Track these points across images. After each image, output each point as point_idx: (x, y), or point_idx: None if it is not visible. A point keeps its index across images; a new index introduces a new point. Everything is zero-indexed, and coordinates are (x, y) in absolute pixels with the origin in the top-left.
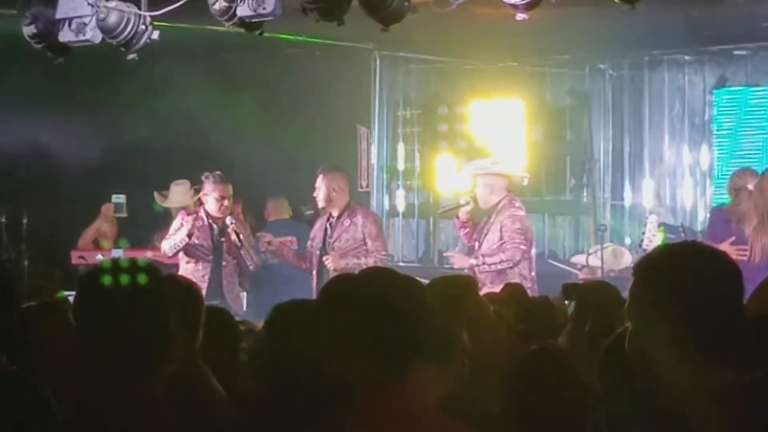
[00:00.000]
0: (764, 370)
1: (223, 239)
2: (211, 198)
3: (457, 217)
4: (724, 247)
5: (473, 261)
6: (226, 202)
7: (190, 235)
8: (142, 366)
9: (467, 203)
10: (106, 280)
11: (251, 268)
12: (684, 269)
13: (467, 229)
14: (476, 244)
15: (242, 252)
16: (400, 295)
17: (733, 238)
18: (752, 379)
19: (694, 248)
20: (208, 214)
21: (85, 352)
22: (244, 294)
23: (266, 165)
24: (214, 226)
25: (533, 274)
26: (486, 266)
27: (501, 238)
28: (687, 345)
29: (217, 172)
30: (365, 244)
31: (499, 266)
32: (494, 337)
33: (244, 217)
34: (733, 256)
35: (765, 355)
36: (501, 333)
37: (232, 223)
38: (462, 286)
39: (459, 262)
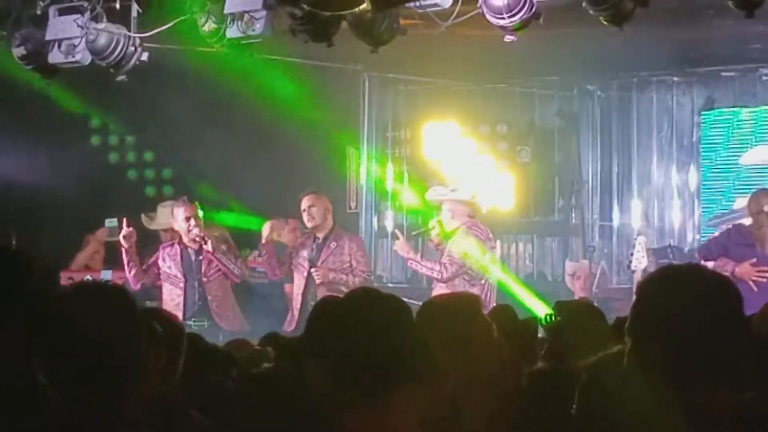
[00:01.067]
0: (758, 390)
1: (201, 257)
2: (178, 221)
3: (430, 240)
4: (746, 267)
5: (411, 255)
6: (192, 222)
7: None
8: (113, 391)
9: (433, 227)
10: (78, 303)
11: (236, 274)
12: (685, 290)
13: (441, 248)
14: None
15: (221, 259)
16: (385, 318)
17: (755, 259)
18: (744, 400)
19: (695, 270)
20: (180, 240)
21: (55, 375)
22: None
23: (256, 186)
24: (190, 250)
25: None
26: (417, 264)
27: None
28: (683, 365)
29: (183, 197)
30: (351, 266)
31: (429, 273)
32: (489, 358)
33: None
34: (753, 278)
35: (764, 374)
36: (497, 354)
37: (197, 236)
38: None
39: (400, 248)
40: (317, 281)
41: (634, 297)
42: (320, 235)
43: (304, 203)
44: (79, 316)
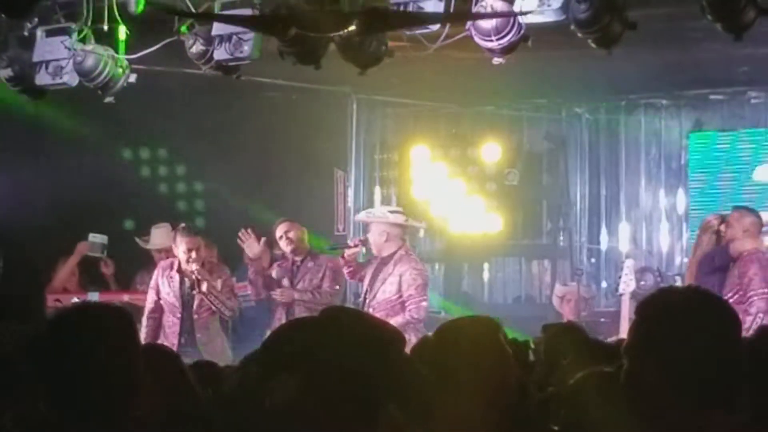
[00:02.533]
0: (752, 411)
1: (194, 291)
2: (179, 251)
3: (342, 257)
4: None
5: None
6: (193, 254)
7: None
8: (107, 411)
9: (356, 245)
10: (74, 324)
11: (227, 315)
12: (684, 313)
13: (351, 268)
14: (363, 285)
15: (213, 301)
16: (363, 349)
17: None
18: (738, 422)
19: (696, 292)
20: (179, 268)
21: (50, 396)
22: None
23: (243, 208)
24: (186, 279)
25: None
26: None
27: (399, 290)
28: (680, 386)
29: (183, 225)
30: (320, 285)
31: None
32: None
33: (219, 261)
34: None
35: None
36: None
37: (194, 272)
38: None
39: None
40: (279, 299)
41: (634, 317)
42: (298, 258)
43: (281, 230)
44: (80, 336)
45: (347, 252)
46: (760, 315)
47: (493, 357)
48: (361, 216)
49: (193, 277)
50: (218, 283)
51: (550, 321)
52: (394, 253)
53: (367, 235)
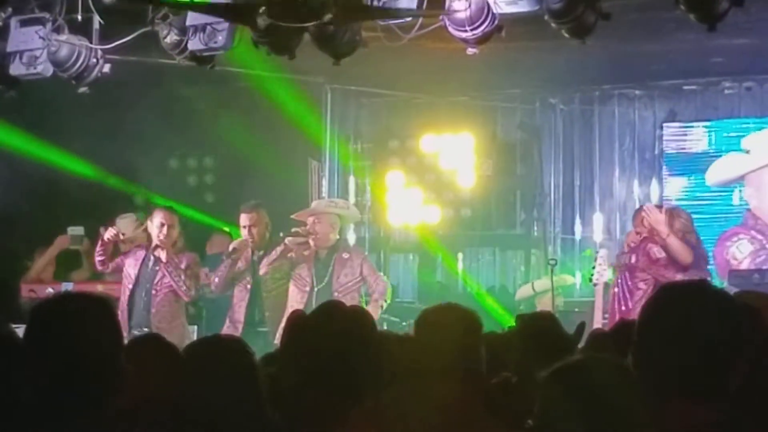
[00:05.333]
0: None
1: (158, 268)
2: (152, 225)
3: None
4: None
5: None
6: (165, 229)
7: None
8: (91, 398)
9: (305, 239)
10: (57, 312)
11: (183, 291)
12: (685, 307)
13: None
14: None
15: (171, 272)
16: (350, 336)
17: None
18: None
19: (699, 286)
20: (149, 247)
21: (34, 383)
22: (194, 328)
23: (216, 198)
24: (152, 257)
25: None
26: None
27: (361, 273)
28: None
29: (166, 206)
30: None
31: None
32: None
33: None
34: None
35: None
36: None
37: (160, 240)
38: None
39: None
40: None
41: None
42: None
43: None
44: (64, 324)
45: (291, 242)
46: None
47: (468, 344)
48: (308, 210)
49: (158, 243)
50: (183, 263)
51: (524, 311)
52: (338, 241)
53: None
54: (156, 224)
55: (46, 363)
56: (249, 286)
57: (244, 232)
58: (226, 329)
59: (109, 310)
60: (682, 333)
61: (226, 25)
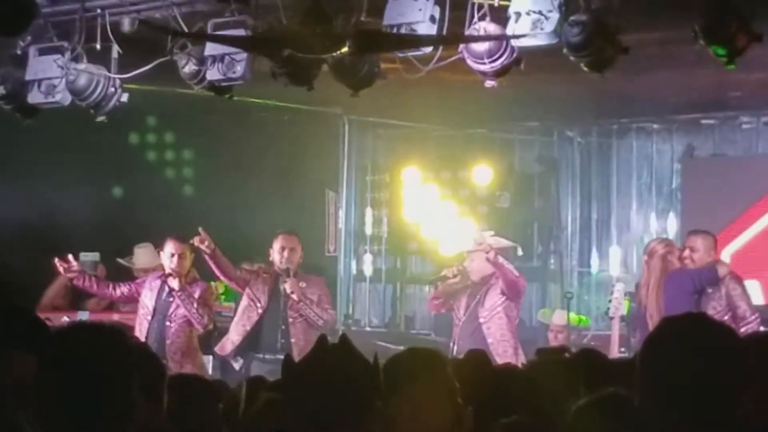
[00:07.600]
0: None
1: (171, 299)
2: (164, 254)
3: (436, 287)
4: None
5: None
6: (175, 259)
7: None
8: (105, 429)
9: (455, 276)
10: (71, 342)
11: (197, 320)
12: (687, 343)
13: (439, 300)
14: (459, 311)
15: (184, 301)
16: (350, 383)
17: None
18: None
19: (700, 321)
20: (163, 274)
21: (48, 414)
22: (209, 357)
23: (234, 228)
24: (165, 286)
25: None
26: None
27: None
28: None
29: (176, 234)
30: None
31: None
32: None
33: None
34: None
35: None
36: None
37: (172, 269)
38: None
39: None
40: (289, 290)
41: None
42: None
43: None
44: (77, 355)
45: (444, 284)
46: None
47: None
48: (471, 244)
49: (171, 273)
50: (196, 292)
51: (541, 345)
52: (493, 273)
53: (464, 264)
54: (167, 254)
55: (56, 395)
56: (260, 311)
57: (276, 257)
58: (224, 343)
59: (122, 339)
60: (684, 366)
61: (244, 55)
